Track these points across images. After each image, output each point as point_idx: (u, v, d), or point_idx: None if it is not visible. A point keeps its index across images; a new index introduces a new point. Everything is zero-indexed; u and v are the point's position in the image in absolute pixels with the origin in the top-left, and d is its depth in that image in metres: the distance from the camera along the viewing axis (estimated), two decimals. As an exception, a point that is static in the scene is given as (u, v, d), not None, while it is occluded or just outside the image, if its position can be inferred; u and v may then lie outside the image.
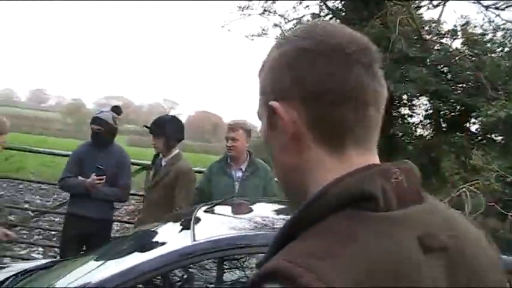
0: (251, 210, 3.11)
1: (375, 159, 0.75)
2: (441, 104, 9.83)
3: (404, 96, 10.96)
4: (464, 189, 5.98)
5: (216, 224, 2.63)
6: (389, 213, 0.66)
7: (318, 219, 0.66)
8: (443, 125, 10.67)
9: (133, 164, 5.04)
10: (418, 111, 11.38)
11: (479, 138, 8.16)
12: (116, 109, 4.37)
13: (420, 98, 10.96)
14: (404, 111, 11.62)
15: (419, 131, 11.54)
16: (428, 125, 11.12)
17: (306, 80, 0.72)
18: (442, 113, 10.26)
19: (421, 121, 11.10)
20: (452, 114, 10.25)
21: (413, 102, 11.37)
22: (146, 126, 4.20)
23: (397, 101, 11.16)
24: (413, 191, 0.72)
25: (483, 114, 6.90)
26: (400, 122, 11.39)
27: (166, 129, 4.03)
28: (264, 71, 0.79)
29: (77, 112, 56.88)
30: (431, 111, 10.63)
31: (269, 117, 0.75)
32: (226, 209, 2.99)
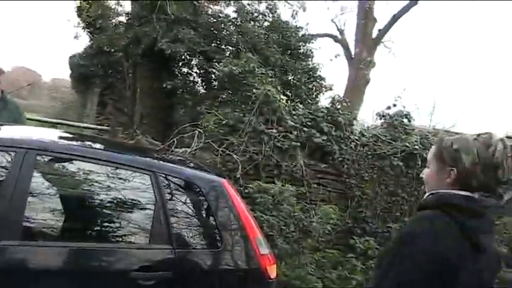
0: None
1: None
2: (210, 64, 11.07)
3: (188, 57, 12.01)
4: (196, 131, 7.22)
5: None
6: None
7: None
8: (215, 83, 11.97)
9: None
10: (196, 70, 12.53)
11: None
12: None
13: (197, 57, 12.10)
14: (184, 69, 12.66)
15: (197, 88, 12.73)
16: (201, 83, 12.33)
17: None
18: (211, 73, 11.51)
19: (194, 78, 12.25)
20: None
21: (193, 63, 12.47)
22: None
23: (177, 59, 12.13)
24: None
25: (218, 70, 8.17)
26: (181, 78, 12.39)
27: None
28: None
29: None
30: (203, 71, 11.82)
31: None
32: None
